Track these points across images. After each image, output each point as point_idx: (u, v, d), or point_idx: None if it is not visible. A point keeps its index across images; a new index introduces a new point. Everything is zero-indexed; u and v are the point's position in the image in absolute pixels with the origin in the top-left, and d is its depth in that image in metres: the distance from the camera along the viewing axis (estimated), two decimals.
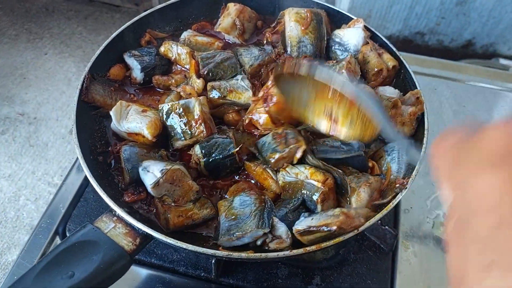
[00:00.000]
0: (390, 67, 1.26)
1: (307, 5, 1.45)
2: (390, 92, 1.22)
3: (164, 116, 1.15)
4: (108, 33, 2.13)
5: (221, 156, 1.10)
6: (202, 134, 1.12)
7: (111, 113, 1.15)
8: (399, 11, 2.09)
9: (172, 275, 1.16)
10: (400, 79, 1.31)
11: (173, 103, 1.14)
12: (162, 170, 1.05)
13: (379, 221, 1.07)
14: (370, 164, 1.12)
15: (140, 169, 1.07)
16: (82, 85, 1.19)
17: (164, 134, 1.16)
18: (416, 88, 1.22)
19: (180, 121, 1.13)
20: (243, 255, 0.95)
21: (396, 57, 1.30)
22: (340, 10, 1.41)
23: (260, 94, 1.15)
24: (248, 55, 1.26)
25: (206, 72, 1.21)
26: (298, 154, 1.07)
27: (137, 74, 1.29)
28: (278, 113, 1.13)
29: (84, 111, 1.17)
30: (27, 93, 1.90)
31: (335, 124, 1.02)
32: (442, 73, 1.71)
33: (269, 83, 1.13)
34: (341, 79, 0.98)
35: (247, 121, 1.16)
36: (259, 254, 0.94)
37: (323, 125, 1.04)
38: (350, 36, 1.29)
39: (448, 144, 0.39)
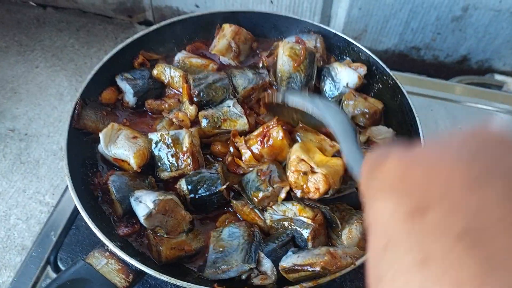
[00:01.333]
0: (381, 108, 1.27)
1: (304, 26, 1.44)
2: (384, 131, 1.22)
3: (153, 146, 1.13)
4: (100, 46, 2.10)
5: (207, 193, 1.08)
6: (189, 167, 1.10)
7: (101, 135, 1.13)
8: (395, 26, 2.08)
9: None
10: (395, 101, 1.30)
11: (162, 133, 1.12)
12: (154, 200, 1.03)
13: None
14: None
15: (132, 200, 1.05)
16: (74, 111, 1.16)
17: (150, 163, 1.14)
18: (415, 116, 1.21)
19: (168, 152, 1.11)
20: None
21: (389, 76, 1.30)
22: (336, 33, 1.40)
23: (258, 130, 1.13)
24: (242, 77, 1.24)
25: (197, 92, 1.19)
26: (282, 195, 1.06)
27: (130, 98, 1.27)
28: (269, 154, 1.12)
29: (75, 137, 1.15)
30: (18, 108, 1.87)
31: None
32: (438, 94, 1.70)
33: (272, 122, 1.11)
34: (311, 102, 1.01)
35: (229, 159, 1.14)
36: None
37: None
38: (345, 76, 1.28)
39: (370, 167, 0.42)
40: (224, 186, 1.08)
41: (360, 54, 1.39)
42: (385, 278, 0.33)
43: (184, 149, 1.11)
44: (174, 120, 1.20)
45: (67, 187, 1.37)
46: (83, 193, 1.06)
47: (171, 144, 1.11)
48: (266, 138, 1.10)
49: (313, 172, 1.04)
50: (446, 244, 0.30)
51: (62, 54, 2.06)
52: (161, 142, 1.12)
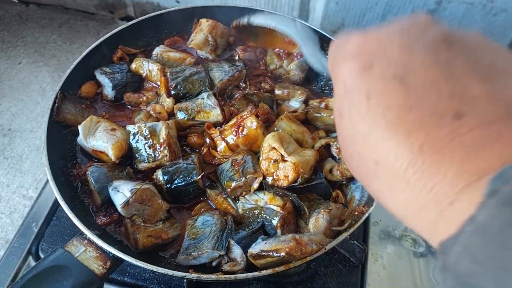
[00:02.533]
0: None
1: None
2: None
3: (131, 137, 1.16)
4: (82, 42, 2.11)
5: (183, 183, 1.11)
6: (165, 158, 1.13)
7: (80, 127, 1.16)
8: (372, 20, 2.12)
9: None
10: None
11: (140, 125, 1.15)
12: (132, 189, 1.06)
13: (348, 236, 1.09)
14: (334, 194, 1.14)
15: (110, 189, 1.08)
16: (54, 105, 1.19)
17: (128, 155, 1.17)
18: None
19: (145, 143, 1.14)
20: (213, 277, 0.97)
21: None
22: (316, 29, 1.43)
23: (233, 121, 1.16)
24: (219, 70, 1.27)
25: (174, 85, 1.22)
26: (255, 185, 1.09)
27: (109, 91, 1.30)
28: (244, 144, 1.15)
29: (55, 130, 1.18)
30: (1, 104, 1.88)
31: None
32: None
33: (245, 113, 1.14)
34: (273, 19, 1.13)
35: (205, 151, 1.17)
36: (228, 275, 0.96)
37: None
38: None
39: (336, 47, 0.53)
40: (199, 177, 1.11)
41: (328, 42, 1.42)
42: (344, 112, 0.49)
43: (161, 140, 1.14)
44: (151, 112, 1.23)
45: (47, 181, 1.40)
46: (62, 185, 1.08)
47: (148, 136, 1.14)
48: (241, 128, 1.13)
49: (283, 160, 1.08)
50: (383, 84, 0.44)
51: (45, 50, 2.07)
52: (139, 134, 1.15)
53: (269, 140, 1.09)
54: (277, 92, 1.29)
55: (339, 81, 0.50)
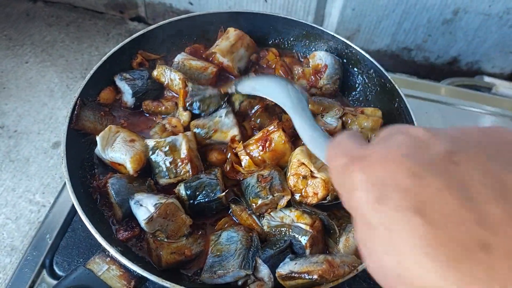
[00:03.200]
0: (381, 115, 1.27)
1: (296, 25, 1.44)
2: None
3: (150, 152, 1.12)
4: (91, 42, 2.06)
5: (206, 199, 1.07)
6: (187, 174, 1.10)
7: (98, 138, 1.12)
8: (388, 27, 2.09)
9: None
10: (392, 104, 1.31)
11: (159, 140, 1.11)
12: (155, 204, 1.02)
13: None
14: None
15: (132, 203, 1.04)
16: (73, 112, 1.14)
17: (147, 167, 1.13)
18: (413, 121, 1.22)
19: (165, 159, 1.10)
20: None
21: (392, 87, 1.30)
22: (334, 35, 1.41)
23: (259, 135, 1.13)
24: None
25: (190, 102, 1.19)
26: (282, 203, 1.05)
27: (128, 98, 1.25)
28: (271, 159, 1.11)
29: (73, 138, 1.13)
30: (7, 104, 1.83)
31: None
32: (432, 96, 1.72)
33: (271, 128, 1.11)
34: (258, 83, 1.09)
35: (228, 168, 1.14)
36: None
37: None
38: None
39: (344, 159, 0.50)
40: (223, 194, 1.07)
41: (357, 56, 1.39)
42: (366, 243, 0.45)
43: (182, 156, 1.10)
44: (167, 126, 1.19)
45: (62, 187, 1.35)
46: (82, 196, 1.04)
47: (168, 152, 1.10)
48: (268, 142, 1.09)
49: (312, 176, 1.04)
50: (402, 216, 0.40)
51: (52, 50, 2.02)
52: (158, 150, 1.11)
53: (298, 155, 1.06)
54: (311, 107, 1.24)
55: (353, 209, 0.47)
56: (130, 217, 1.06)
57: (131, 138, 1.14)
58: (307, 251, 1.01)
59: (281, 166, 1.12)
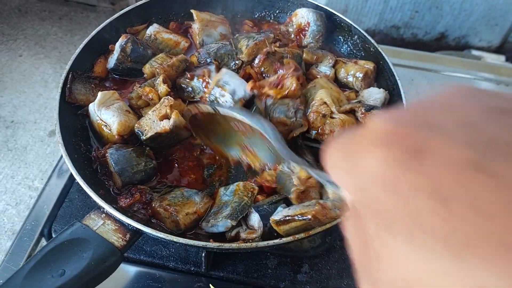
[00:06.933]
0: (372, 68, 1.29)
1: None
2: (375, 92, 1.24)
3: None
4: (83, 33, 2.10)
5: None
6: None
7: (99, 93, 1.15)
8: (375, 5, 2.13)
9: (162, 271, 1.16)
10: (380, 71, 1.34)
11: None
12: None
13: None
14: None
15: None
16: (64, 85, 1.17)
17: (134, 138, 1.15)
18: (396, 81, 1.24)
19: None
20: (234, 245, 0.96)
21: (376, 50, 1.33)
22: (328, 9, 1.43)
23: (272, 78, 1.15)
24: (246, 39, 1.27)
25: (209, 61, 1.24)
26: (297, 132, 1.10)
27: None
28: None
29: (66, 111, 1.16)
30: (3, 96, 1.86)
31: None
32: (418, 64, 1.75)
33: (286, 73, 1.13)
34: (240, 112, 1.00)
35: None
36: (249, 244, 0.95)
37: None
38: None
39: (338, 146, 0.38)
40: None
41: (342, 23, 1.42)
42: (373, 235, 0.33)
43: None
44: (142, 95, 1.19)
45: (56, 164, 1.38)
46: (77, 161, 1.07)
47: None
48: (279, 86, 1.13)
49: (332, 117, 1.10)
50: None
51: (46, 42, 2.05)
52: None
53: (322, 94, 1.11)
54: (305, 56, 1.30)
55: (358, 181, 0.35)
56: (129, 186, 1.09)
57: (127, 109, 1.17)
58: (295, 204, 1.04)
59: None
